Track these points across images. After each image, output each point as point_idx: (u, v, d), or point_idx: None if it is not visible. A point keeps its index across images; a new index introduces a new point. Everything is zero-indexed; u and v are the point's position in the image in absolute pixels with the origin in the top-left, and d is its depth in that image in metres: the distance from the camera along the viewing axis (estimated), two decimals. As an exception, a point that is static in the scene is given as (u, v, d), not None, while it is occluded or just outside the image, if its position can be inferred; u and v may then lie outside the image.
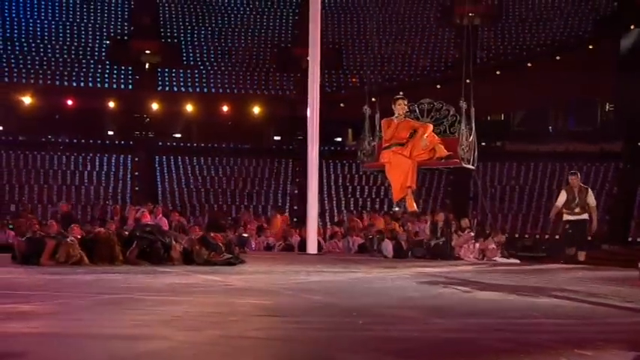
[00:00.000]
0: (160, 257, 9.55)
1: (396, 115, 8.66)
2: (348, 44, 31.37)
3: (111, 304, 5.40)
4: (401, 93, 9.25)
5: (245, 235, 12.43)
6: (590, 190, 12.08)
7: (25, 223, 17.20)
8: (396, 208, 24.32)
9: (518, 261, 13.78)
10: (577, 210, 11.56)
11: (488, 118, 32.04)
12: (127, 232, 10.21)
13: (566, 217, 11.82)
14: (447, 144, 8.39)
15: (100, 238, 9.62)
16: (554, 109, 31.55)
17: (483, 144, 30.38)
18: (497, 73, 29.20)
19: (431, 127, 8.57)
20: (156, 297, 5.89)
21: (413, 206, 8.70)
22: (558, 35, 29.50)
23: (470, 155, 8.44)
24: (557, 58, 28.54)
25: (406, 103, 8.72)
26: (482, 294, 6.56)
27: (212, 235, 10.09)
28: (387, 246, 16.13)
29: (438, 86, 27.14)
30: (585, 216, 11.67)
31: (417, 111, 9.01)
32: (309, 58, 12.68)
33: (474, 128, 8.58)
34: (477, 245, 14.04)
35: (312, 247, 12.18)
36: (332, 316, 4.90)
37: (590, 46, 28.30)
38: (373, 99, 9.87)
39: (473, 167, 8.74)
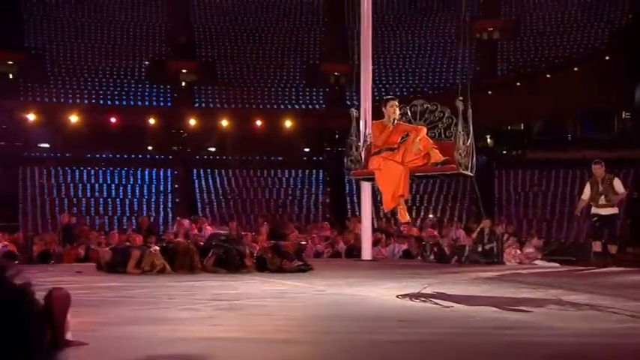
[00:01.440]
0: (235, 265, 9.70)
1: (387, 118, 7.50)
2: (373, 61, 31.51)
3: (234, 309, 5.56)
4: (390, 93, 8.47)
5: (303, 242, 12.58)
6: (616, 178, 11.20)
7: (83, 234, 17.52)
8: (430, 215, 24.56)
9: (558, 265, 13.72)
10: (602, 201, 10.87)
11: (509, 127, 32.22)
12: (202, 243, 10.38)
13: (593, 210, 11.15)
14: (442, 148, 7.29)
15: (180, 247, 9.80)
16: (571, 118, 31.52)
17: (504, 152, 31.16)
18: (517, 84, 29.37)
19: (424, 130, 7.40)
20: (269, 302, 6.05)
21: (406, 217, 7.57)
22: (575, 47, 29.55)
23: (468, 160, 7.26)
24: (575, 69, 28.60)
25: (398, 104, 7.57)
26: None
27: (283, 243, 10.26)
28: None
29: (461, 98, 27.23)
30: (612, 210, 11.00)
31: (410, 113, 7.87)
32: (361, 69, 12.60)
33: (471, 131, 7.33)
34: (518, 251, 14.19)
35: (366, 254, 12.32)
36: (461, 321, 4.95)
37: (607, 57, 28.33)
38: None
39: (471, 174, 7.40)
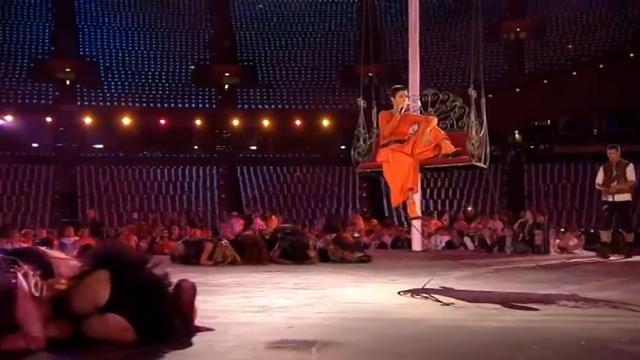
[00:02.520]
0: (300, 256, 9.80)
1: (396, 108, 6.77)
2: (406, 61, 31.45)
3: (326, 296, 5.62)
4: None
5: (356, 235, 12.64)
6: (630, 165, 10.56)
7: (143, 229, 17.76)
8: (469, 208, 24.46)
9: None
10: (614, 185, 10.31)
11: (536, 123, 31.95)
12: (267, 236, 10.48)
13: (603, 197, 10.66)
14: (454, 139, 6.57)
15: (249, 240, 9.92)
16: (597, 114, 31.18)
17: (532, 147, 30.92)
18: (545, 82, 29.08)
19: (435, 120, 6.68)
20: (349, 291, 6.09)
21: (415, 211, 6.93)
22: (600, 45, 29.19)
23: (481, 151, 6.55)
24: (600, 66, 28.24)
25: (407, 94, 6.91)
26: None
27: (344, 235, 10.33)
28: (468, 242, 16.34)
29: (490, 95, 27.06)
30: (624, 197, 10.42)
31: (420, 103, 7.25)
32: (409, 68, 12.54)
33: (485, 121, 6.58)
34: (558, 240, 14.11)
35: (417, 245, 12.35)
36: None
37: (631, 55, 27.94)
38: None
39: (485, 166, 6.68)
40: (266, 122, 29.60)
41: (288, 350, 3.42)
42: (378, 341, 3.62)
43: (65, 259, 4.18)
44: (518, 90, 29.05)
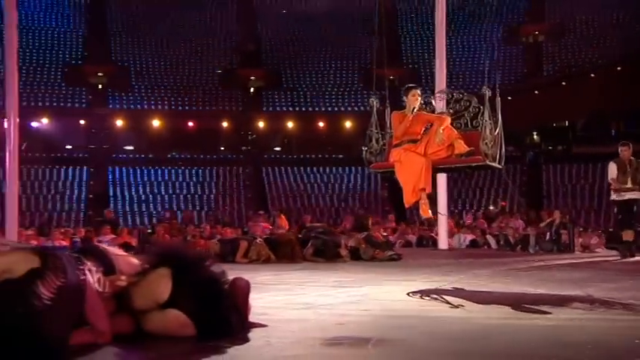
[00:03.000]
0: (332, 255, 9.81)
1: (408, 107, 6.43)
2: (426, 64, 31.41)
3: (368, 294, 5.63)
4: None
5: (385, 233, 12.63)
6: None
7: (173, 228, 17.85)
8: (491, 207, 24.31)
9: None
10: (628, 185, 9.76)
11: (554, 124, 31.66)
12: (300, 235, 10.51)
13: (613, 196, 10.17)
14: (468, 139, 6.22)
15: (282, 239, 9.96)
16: (614, 115, 30.84)
17: (550, 148, 30.66)
18: (563, 84, 28.86)
19: (449, 119, 6.33)
20: (391, 288, 6.09)
21: (427, 212, 6.45)
22: (617, 48, 28.89)
23: (495, 151, 6.21)
24: (618, 68, 27.96)
25: (420, 93, 6.51)
26: None
27: (374, 234, 10.33)
28: (492, 241, 16.24)
29: (509, 97, 26.92)
30: (634, 194, 9.87)
31: (434, 103, 6.92)
32: (436, 68, 12.50)
33: (500, 120, 6.23)
34: (580, 239, 13.97)
35: (443, 244, 12.30)
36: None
37: (649, 57, 27.62)
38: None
39: (500, 166, 6.35)
40: (290, 124, 29.71)
41: (345, 347, 3.42)
42: (431, 339, 3.60)
43: (125, 257, 4.22)
44: (536, 92, 28.85)
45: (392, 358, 3.19)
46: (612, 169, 9.95)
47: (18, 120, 11.29)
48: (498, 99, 6.28)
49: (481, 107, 6.31)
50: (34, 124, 25.08)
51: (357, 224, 12.36)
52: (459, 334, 3.74)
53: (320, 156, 30.24)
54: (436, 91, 7.11)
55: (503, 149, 6.30)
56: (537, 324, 4.03)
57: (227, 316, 3.71)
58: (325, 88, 30.91)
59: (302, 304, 5.00)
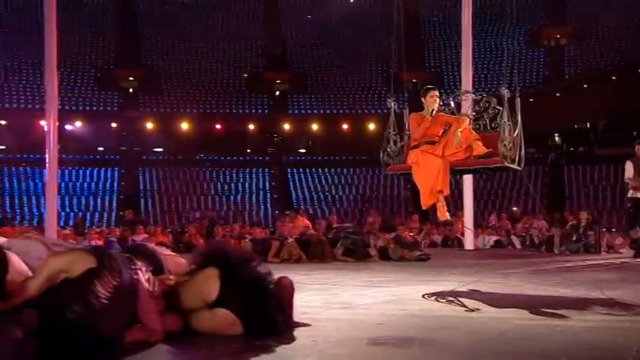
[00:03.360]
0: (362, 254, 9.80)
1: (427, 109, 6.23)
2: (448, 67, 31.29)
3: (405, 294, 5.61)
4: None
5: (411, 234, 12.56)
6: None
7: (202, 227, 17.93)
8: (514, 208, 24.12)
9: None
10: None
11: (575, 126, 31.32)
12: (329, 236, 10.50)
13: (631, 194, 9.85)
14: (487, 141, 5.99)
15: (313, 239, 9.97)
16: (635, 116, 30.41)
17: (572, 149, 30.34)
18: (584, 86, 28.52)
19: (467, 120, 6.13)
20: (423, 288, 6.04)
21: (445, 215, 6.25)
22: (639, 51, 28.49)
23: (515, 153, 5.97)
24: (640, 70, 27.58)
25: (438, 94, 6.30)
26: None
27: (403, 234, 10.29)
28: (516, 241, 16.08)
29: (531, 100, 26.70)
30: None
31: (453, 104, 6.58)
32: (462, 70, 12.43)
33: (519, 122, 5.98)
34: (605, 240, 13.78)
35: (469, 244, 12.22)
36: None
37: (670, 60, 27.22)
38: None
39: (519, 168, 6.11)
40: (315, 126, 29.73)
41: (390, 347, 3.42)
42: (474, 339, 3.58)
43: (173, 257, 4.27)
44: (558, 94, 28.56)
45: (442, 359, 3.17)
46: (629, 169, 9.72)
47: (57, 123, 11.43)
48: (518, 100, 6.10)
49: (500, 109, 6.11)
50: (68, 126, 25.34)
51: (384, 225, 12.33)
52: (500, 335, 3.71)
53: (344, 157, 30.20)
54: (460, 92, 6.85)
55: (523, 151, 6.09)
56: (576, 325, 3.99)
57: (273, 315, 3.73)
58: (349, 91, 30.86)
59: (340, 304, 5.00)
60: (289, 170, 29.66)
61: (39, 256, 3.85)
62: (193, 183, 28.22)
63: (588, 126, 31.41)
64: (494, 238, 15.85)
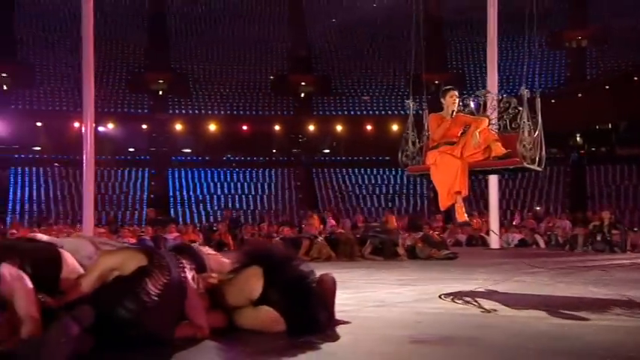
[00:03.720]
0: (390, 253, 9.76)
1: (446, 110, 6.10)
2: (470, 69, 31.10)
3: (445, 291, 5.56)
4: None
5: (435, 233, 12.49)
6: None
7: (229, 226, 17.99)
8: (538, 208, 23.89)
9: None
10: None
11: (597, 127, 30.90)
12: (358, 235, 10.47)
13: None
14: (507, 141, 5.81)
15: (342, 238, 9.94)
16: (657, 117, 29.94)
17: (593, 149, 29.94)
18: (606, 87, 28.13)
19: (486, 121, 5.98)
20: (461, 287, 6.00)
21: (463, 216, 6.06)
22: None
23: (535, 153, 5.75)
24: (662, 72, 27.14)
25: (458, 95, 6.15)
26: None
27: (430, 233, 10.23)
28: (540, 241, 15.92)
29: (553, 100, 26.39)
30: None
31: (473, 105, 6.36)
32: (488, 71, 12.30)
33: (540, 122, 5.77)
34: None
35: (494, 243, 12.11)
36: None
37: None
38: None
39: (539, 168, 5.95)
40: (339, 127, 29.71)
41: (433, 344, 3.37)
42: (516, 338, 3.53)
43: (215, 256, 4.28)
44: (580, 95, 28.21)
45: (488, 357, 3.12)
46: None
47: (94, 125, 11.54)
48: (538, 100, 5.91)
49: (521, 109, 5.91)
50: (101, 128, 25.60)
51: (410, 224, 12.26)
52: (541, 334, 3.65)
53: (367, 158, 30.13)
54: (481, 92, 6.53)
55: (544, 151, 5.90)
56: (614, 325, 3.92)
57: (316, 313, 3.71)
58: (372, 92, 30.79)
59: (376, 302, 4.97)
60: (314, 170, 29.66)
61: (88, 254, 3.89)
62: (220, 183, 28.37)
63: (610, 126, 31.00)
64: (518, 237, 15.71)
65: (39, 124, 27.15)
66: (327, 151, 31.61)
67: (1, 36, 29.28)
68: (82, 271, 3.55)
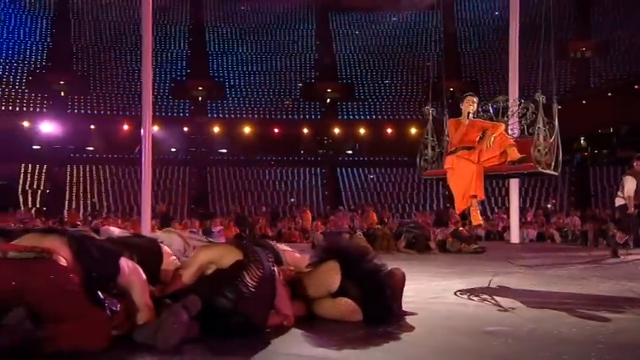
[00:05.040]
0: (423, 247, 9.67)
1: (464, 114, 5.80)
2: (482, 77, 30.81)
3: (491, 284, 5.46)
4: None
5: (461, 228, 12.33)
6: None
7: (268, 219, 18.01)
8: (549, 205, 23.60)
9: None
10: None
11: (599, 130, 30.45)
12: (392, 230, 10.38)
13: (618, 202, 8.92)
14: (523, 146, 5.49)
15: (379, 232, 9.87)
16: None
17: (596, 152, 29.51)
18: (609, 95, 27.71)
19: (503, 126, 5.66)
20: (509, 279, 5.89)
21: (478, 219, 5.78)
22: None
23: (550, 158, 5.41)
24: (662, 80, 26.65)
25: (475, 100, 5.85)
26: None
27: (460, 228, 10.11)
28: (556, 236, 15.69)
29: (559, 107, 25.99)
30: None
31: (491, 110, 6.01)
32: (509, 79, 12.11)
33: (557, 127, 5.45)
34: None
35: (514, 238, 11.92)
36: None
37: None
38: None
39: (555, 173, 5.58)
40: (362, 130, 29.63)
41: (501, 337, 3.26)
42: (584, 330, 3.42)
43: (289, 251, 4.24)
44: (584, 102, 27.79)
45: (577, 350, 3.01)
46: (630, 185, 8.55)
47: (151, 128, 11.57)
48: (555, 105, 5.64)
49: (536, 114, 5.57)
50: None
51: (437, 220, 12.14)
52: (600, 326, 3.54)
53: (387, 158, 29.98)
54: (498, 98, 6.12)
55: (560, 156, 5.56)
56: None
57: (390, 304, 3.66)
58: (393, 98, 30.65)
59: (429, 293, 4.88)
60: (339, 169, 29.59)
61: (178, 248, 3.88)
62: (254, 180, 28.41)
63: (611, 130, 30.54)
64: (533, 232, 15.51)
65: (92, 126, 27.40)
66: (350, 152, 31.53)
67: (60, 48, 29.62)
68: (178, 263, 3.53)
